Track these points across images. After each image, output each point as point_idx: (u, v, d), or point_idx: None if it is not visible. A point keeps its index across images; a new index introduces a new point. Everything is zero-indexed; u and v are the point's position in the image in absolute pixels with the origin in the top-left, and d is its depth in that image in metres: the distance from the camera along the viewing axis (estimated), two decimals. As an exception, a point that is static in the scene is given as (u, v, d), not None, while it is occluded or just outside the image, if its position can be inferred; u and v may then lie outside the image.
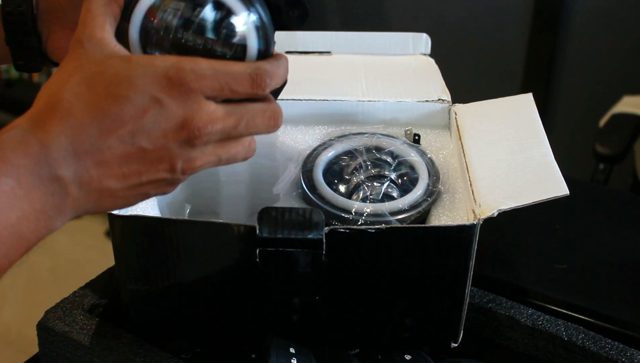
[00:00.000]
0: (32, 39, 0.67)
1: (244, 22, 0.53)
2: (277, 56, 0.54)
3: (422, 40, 0.91)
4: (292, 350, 0.63)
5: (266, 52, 0.54)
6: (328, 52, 0.93)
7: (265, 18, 0.54)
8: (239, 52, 0.53)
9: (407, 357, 0.66)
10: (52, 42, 0.68)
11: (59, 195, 0.48)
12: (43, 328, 0.70)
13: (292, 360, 0.62)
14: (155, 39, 0.53)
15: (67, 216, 0.49)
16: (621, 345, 0.69)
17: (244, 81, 0.51)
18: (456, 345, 0.69)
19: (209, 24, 0.53)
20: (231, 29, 0.53)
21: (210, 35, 0.53)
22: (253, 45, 0.53)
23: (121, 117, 0.48)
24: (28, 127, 0.48)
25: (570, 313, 0.78)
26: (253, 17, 0.53)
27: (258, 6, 0.54)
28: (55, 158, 0.47)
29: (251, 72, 0.51)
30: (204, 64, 0.50)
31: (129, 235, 0.64)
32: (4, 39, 0.67)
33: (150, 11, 0.53)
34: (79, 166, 0.48)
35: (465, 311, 0.67)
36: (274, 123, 0.53)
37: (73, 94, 0.49)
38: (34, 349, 0.73)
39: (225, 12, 0.53)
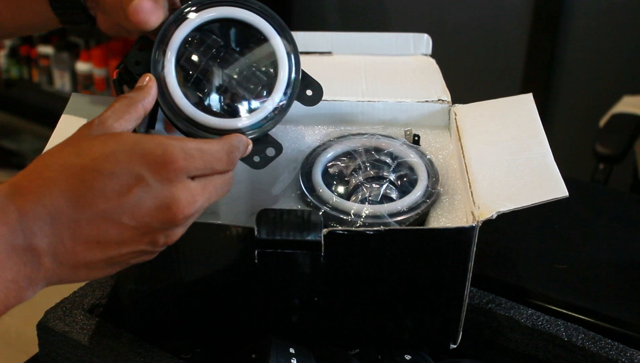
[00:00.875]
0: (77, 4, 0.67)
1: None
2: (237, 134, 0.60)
3: (423, 41, 0.91)
4: (292, 350, 0.63)
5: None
6: (329, 53, 0.93)
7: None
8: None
9: (407, 357, 0.66)
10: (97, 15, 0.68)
11: (31, 265, 0.47)
12: (43, 328, 0.70)
13: (292, 360, 0.62)
14: None
15: (39, 286, 0.48)
16: (621, 345, 0.69)
17: (223, 160, 0.54)
18: (455, 346, 0.69)
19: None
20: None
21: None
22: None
23: (104, 192, 0.48)
24: (8, 193, 0.47)
25: (570, 313, 0.78)
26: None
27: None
28: (31, 227, 0.47)
29: (227, 149, 0.54)
30: (191, 145, 0.51)
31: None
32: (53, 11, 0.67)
33: None
34: (54, 237, 0.47)
35: (464, 313, 0.67)
36: (229, 189, 0.56)
37: (60, 163, 0.48)
38: (34, 349, 0.73)
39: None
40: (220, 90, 0.64)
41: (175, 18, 0.63)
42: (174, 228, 0.51)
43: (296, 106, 0.71)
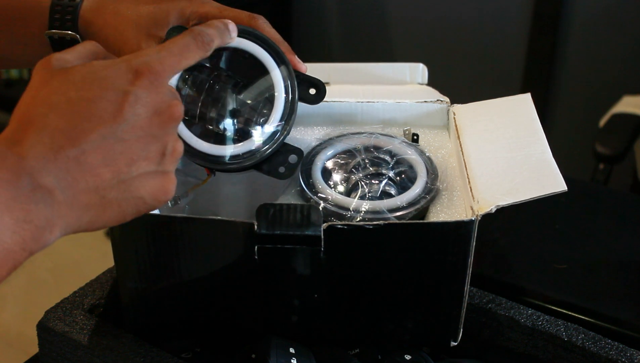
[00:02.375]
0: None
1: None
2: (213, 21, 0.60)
3: (419, 70, 0.91)
4: (292, 350, 0.63)
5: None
6: (327, 83, 0.93)
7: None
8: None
9: (407, 357, 0.66)
10: None
11: (44, 203, 0.46)
12: (43, 328, 0.71)
13: (292, 360, 0.62)
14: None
15: (57, 227, 0.47)
16: (621, 345, 0.69)
17: (192, 45, 0.55)
18: (456, 343, 0.69)
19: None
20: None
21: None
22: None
23: (98, 116, 0.48)
24: (4, 145, 0.47)
25: (570, 313, 0.78)
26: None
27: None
28: (34, 166, 0.46)
29: (192, 36, 0.56)
30: (157, 47, 0.53)
31: (128, 233, 0.64)
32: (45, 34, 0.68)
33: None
34: (60, 170, 0.47)
35: (464, 309, 0.67)
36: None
37: (46, 105, 0.48)
38: (34, 349, 0.74)
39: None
40: (226, 118, 0.66)
41: None
42: (174, 130, 0.52)
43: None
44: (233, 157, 0.65)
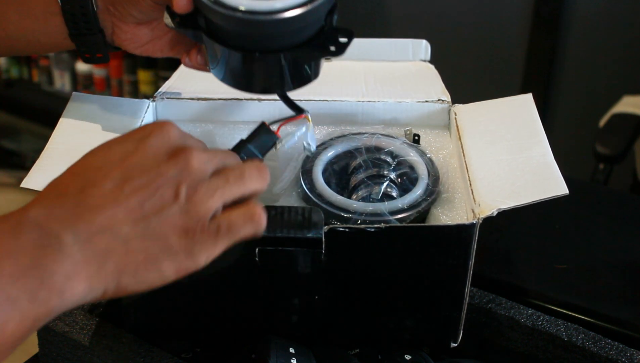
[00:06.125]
0: (96, 35, 0.67)
1: None
2: None
3: (422, 47, 0.91)
4: (291, 350, 0.63)
5: None
6: (328, 60, 0.93)
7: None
8: None
9: (407, 357, 0.66)
10: (117, 36, 0.68)
11: (51, 248, 0.42)
12: (43, 328, 0.70)
13: (292, 360, 0.62)
14: None
15: (77, 274, 0.43)
16: (621, 345, 0.69)
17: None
18: (456, 345, 0.69)
19: None
20: None
21: None
22: None
23: (108, 162, 0.46)
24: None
25: (570, 313, 0.78)
26: None
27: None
28: (38, 213, 0.43)
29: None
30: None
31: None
32: (68, 34, 0.67)
33: None
34: (68, 213, 0.44)
35: (465, 311, 0.67)
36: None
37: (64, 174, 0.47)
38: (34, 349, 0.73)
39: None
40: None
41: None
42: (190, 174, 0.47)
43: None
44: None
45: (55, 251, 0.43)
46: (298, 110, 0.66)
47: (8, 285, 0.41)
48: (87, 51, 0.69)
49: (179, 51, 0.70)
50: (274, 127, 0.63)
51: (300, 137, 0.67)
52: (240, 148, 0.60)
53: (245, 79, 0.65)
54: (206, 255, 0.48)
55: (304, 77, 0.64)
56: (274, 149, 0.63)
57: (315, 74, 0.64)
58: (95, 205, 0.45)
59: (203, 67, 0.68)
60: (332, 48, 0.61)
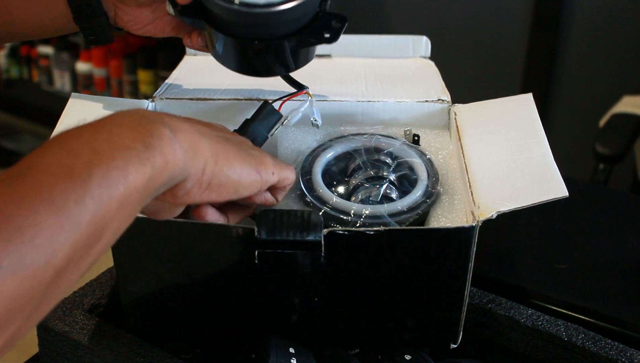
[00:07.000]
0: (99, 18, 0.70)
1: None
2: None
3: (422, 43, 0.91)
4: (291, 350, 0.63)
5: None
6: (328, 55, 0.93)
7: None
8: None
9: (407, 357, 0.66)
10: (120, 18, 0.72)
11: (149, 131, 0.48)
12: (43, 328, 0.70)
13: (292, 360, 0.62)
14: None
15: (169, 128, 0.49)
16: (621, 345, 0.69)
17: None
18: (455, 346, 0.69)
19: None
20: None
21: None
22: None
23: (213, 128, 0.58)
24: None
25: (570, 313, 0.78)
26: None
27: None
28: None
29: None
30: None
31: (128, 236, 0.64)
32: (72, 18, 0.70)
33: None
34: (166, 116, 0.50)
35: (464, 313, 0.67)
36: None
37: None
38: (34, 349, 0.73)
39: None
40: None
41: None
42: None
43: (296, 106, 0.71)
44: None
45: (154, 132, 0.47)
46: (299, 86, 0.68)
47: (124, 137, 0.46)
48: (92, 33, 0.72)
49: (180, 32, 0.74)
50: (276, 106, 0.65)
51: (305, 112, 0.69)
52: (245, 127, 0.63)
53: (243, 63, 0.69)
54: (270, 175, 0.59)
55: (301, 59, 0.68)
56: (280, 126, 0.66)
57: (312, 54, 0.69)
58: (184, 128, 0.51)
59: (204, 48, 0.72)
60: (327, 35, 0.64)
